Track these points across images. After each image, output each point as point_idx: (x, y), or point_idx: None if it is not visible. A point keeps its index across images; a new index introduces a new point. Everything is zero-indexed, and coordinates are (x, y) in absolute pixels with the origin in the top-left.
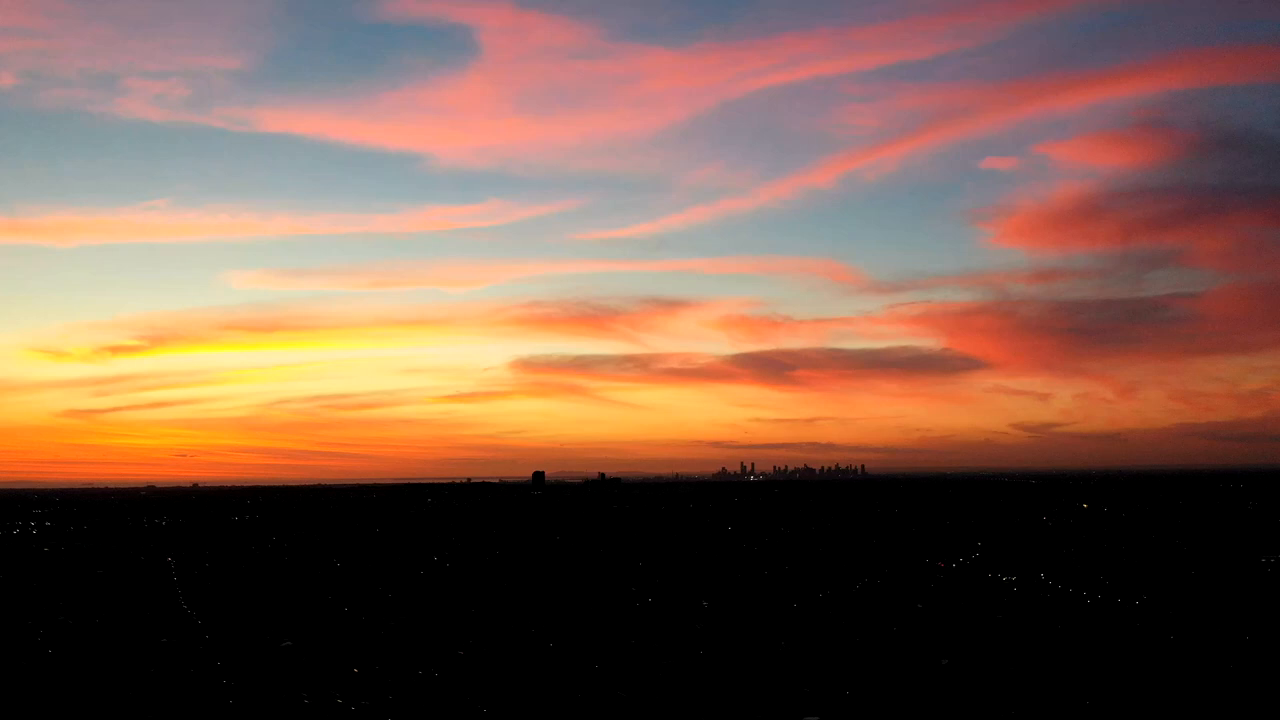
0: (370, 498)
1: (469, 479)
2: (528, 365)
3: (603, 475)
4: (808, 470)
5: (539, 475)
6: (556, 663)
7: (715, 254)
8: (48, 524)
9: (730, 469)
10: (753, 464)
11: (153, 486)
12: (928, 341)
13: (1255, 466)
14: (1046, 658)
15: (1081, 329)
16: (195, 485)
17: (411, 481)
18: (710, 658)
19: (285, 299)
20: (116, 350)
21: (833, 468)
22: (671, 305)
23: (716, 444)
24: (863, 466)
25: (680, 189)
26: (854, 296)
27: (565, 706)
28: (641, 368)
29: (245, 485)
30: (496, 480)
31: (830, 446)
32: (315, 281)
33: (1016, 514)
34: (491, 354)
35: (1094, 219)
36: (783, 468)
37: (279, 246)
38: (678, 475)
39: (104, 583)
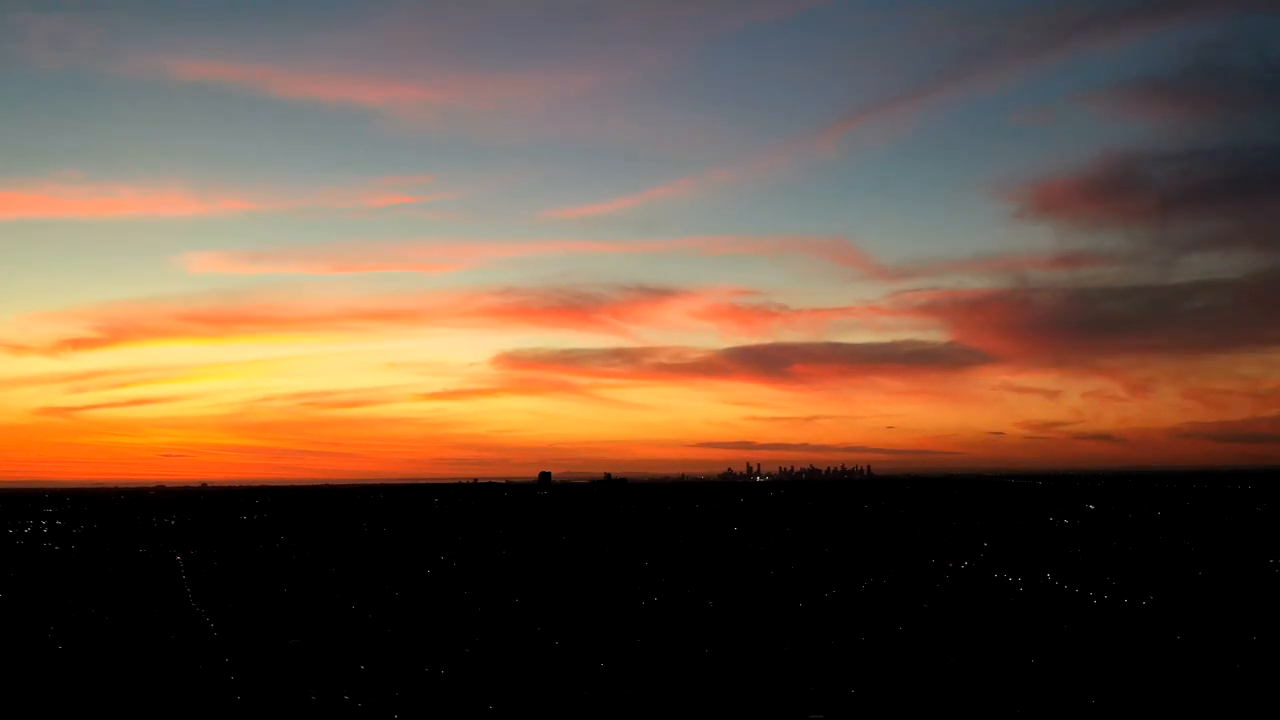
0: (376, 497)
1: (475, 479)
2: (512, 361)
3: (609, 476)
4: (813, 471)
5: (545, 475)
6: (562, 661)
7: (703, 233)
8: (58, 523)
9: (735, 469)
10: (758, 465)
11: (162, 486)
12: (933, 334)
13: (1263, 467)
14: (1052, 658)
15: (1100, 320)
16: (204, 485)
17: (412, 482)
18: (716, 656)
19: (245, 286)
20: (77, 344)
21: (838, 469)
22: (657, 293)
23: (711, 444)
24: (869, 467)
25: (661, 156)
26: (855, 283)
27: (571, 705)
28: (630, 362)
29: (252, 485)
30: (503, 480)
31: (828, 447)
32: (274, 265)
33: (1022, 515)
34: (472, 348)
35: (1131, 189)
36: (789, 468)
37: (227, 225)
38: (683, 476)
39: (113, 581)
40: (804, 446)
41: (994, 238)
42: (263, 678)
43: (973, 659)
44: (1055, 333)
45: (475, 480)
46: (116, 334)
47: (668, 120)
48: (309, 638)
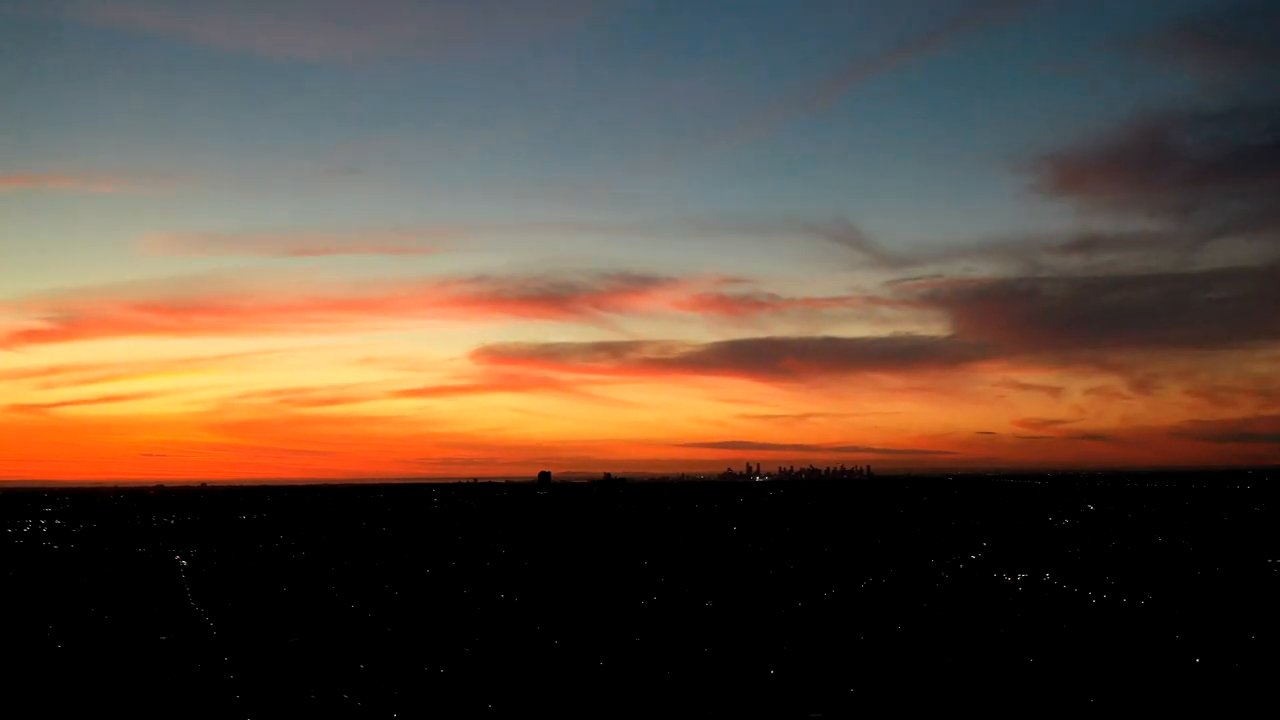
0: (376, 497)
1: (475, 479)
2: (492, 355)
3: (608, 475)
4: (813, 471)
5: (545, 475)
6: (561, 660)
7: (686, 212)
8: (57, 522)
9: (735, 469)
10: (758, 465)
11: (161, 486)
12: (933, 328)
13: (1266, 468)
14: (1051, 657)
15: (1110, 312)
16: (204, 485)
17: (405, 481)
18: (715, 656)
19: (200, 272)
20: (32, 336)
21: (838, 469)
22: (640, 281)
23: (702, 444)
24: (868, 468)
25: (640, 123)
26: (852, 270)
27: (570, 704)
28: (615, 357)
29: (249, 485)
30: (503, 480)
31: (821, 447)
32: (231, 247)
33: (1021, 515)
34: (449, 341)
35: (1162, 159)
36: (789, 468)
37: (167, 202)
38: (683, 476)
39: (113, 581)
40: (797, 446)
41: (1007, 217)
42: (262, 677)
43: (972, 659)
44: (1062, 326)
45: (475, 480)
46: (74, 327)
47: (646, 81)
48: (308, 637)
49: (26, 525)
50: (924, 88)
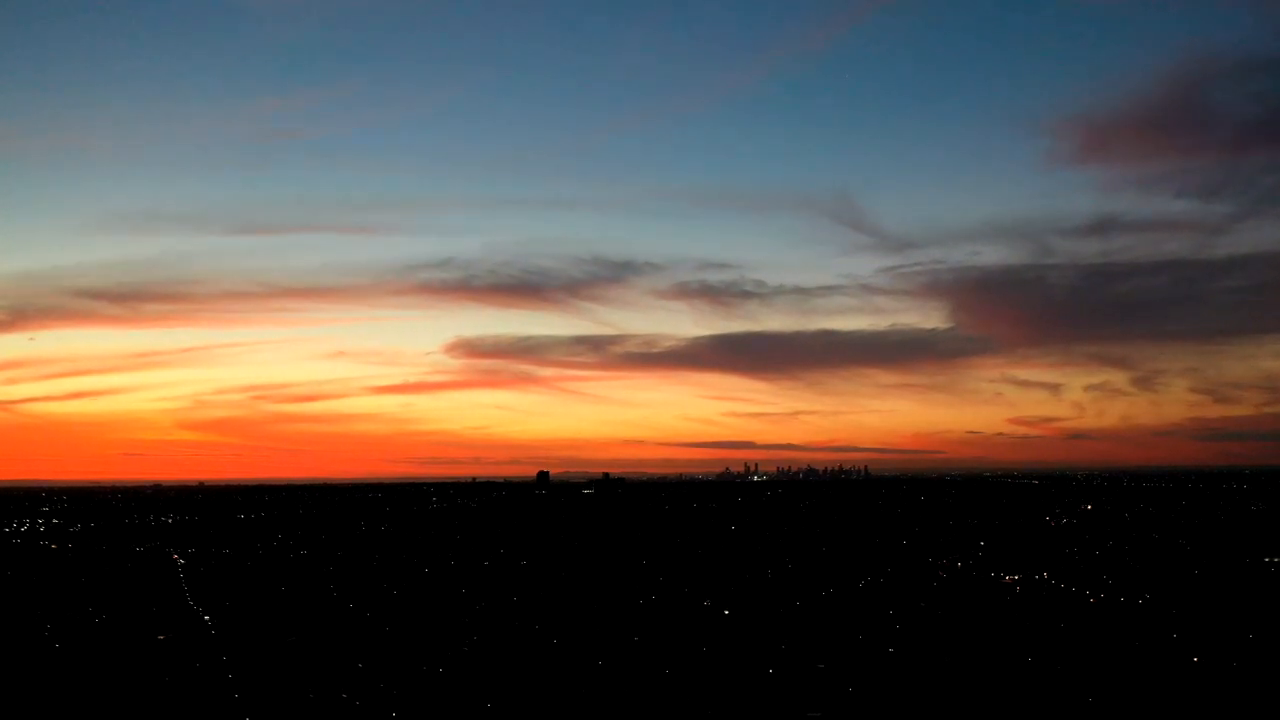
0: (374, 496)
1: (474, 478)
2: (469, 349)
3: (606, 475)
4: (811, 471)
5: (543, 475)
6: (559, 660)
7: (664, 188)
8: (55, 521)
9: (733, 469)
10: (756, 465)
11: (158, 485)
12: (931, 318)
13: (1268, 467)
14: (1049, 657)
15: (1117, 303)
16: (201, 484)
17: (398, 481)
18: (713, 655)
19: (147, 255)
20: None
21: (836, 468)
22: (619, 268)
23: (688, 444)
24: (866, 468)
25: (614, 81)
26: (846, 255)
27: (568, 703)
28: (596, 351)
29: (245, 484)
30: (502, 480)
31: (813, 446)
32: (173, 226)
33: (1019, 515)
34: (423, 333)
35: (1200, 121)
36: (786, 468)
37: (108, 171)
38: (681, 476)
39: (111, 580)
40: (788, 445)
41: (1020, 191)
42: (260, 676)
43: (970, 658)
44: (1065, 318)
45: (474, 479)
46: (22, 317)
47: (618, 31)
48: (307, 636)
49: (24, 525)
50: (930, 21)
